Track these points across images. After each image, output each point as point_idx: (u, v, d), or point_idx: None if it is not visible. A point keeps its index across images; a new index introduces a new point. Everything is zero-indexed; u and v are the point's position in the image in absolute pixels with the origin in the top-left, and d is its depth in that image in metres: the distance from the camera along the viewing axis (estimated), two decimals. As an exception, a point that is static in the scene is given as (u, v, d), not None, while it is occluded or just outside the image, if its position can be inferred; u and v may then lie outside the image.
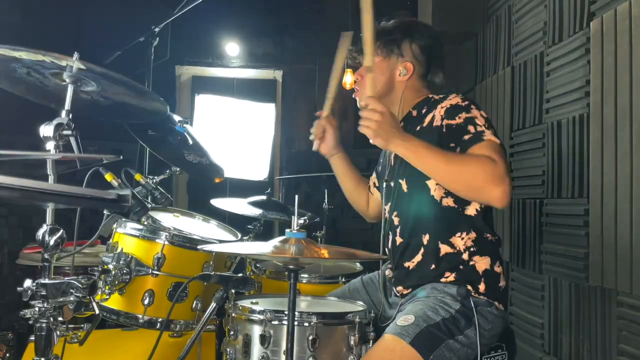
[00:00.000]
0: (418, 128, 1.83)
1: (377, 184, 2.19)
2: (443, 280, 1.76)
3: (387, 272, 1.95)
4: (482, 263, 1.77)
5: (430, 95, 1.92)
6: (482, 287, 1.74)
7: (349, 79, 4.23)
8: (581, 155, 2.44)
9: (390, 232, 1.92)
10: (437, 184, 1.78)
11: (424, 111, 1.87)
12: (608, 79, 2.23)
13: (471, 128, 1.69)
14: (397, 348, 1.58)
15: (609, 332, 2.24)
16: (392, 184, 1.92)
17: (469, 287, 1.73)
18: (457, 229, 1.78)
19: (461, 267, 1.76)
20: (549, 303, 2.66)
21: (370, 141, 1.69)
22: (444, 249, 1.78)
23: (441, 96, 1.87)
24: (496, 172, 1.60)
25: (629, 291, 2.11)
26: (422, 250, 1.81)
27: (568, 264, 2.51)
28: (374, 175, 2.22)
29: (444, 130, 1.73)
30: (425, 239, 1.80)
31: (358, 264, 2.68)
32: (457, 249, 1.77)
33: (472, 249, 1.77)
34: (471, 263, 1.76)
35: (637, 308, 2.09)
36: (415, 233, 1.82)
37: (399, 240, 1.88)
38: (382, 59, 1.91)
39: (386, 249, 1.97)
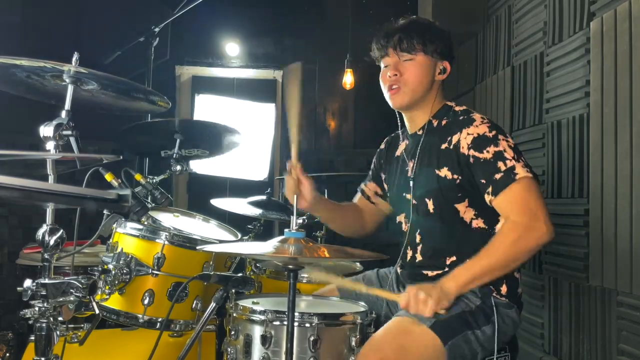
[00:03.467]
0: (443, 147, 1.80)
1: (379, 192, 2.12)
2: None
3: (399, 269, 1.95)
4: None
5: (449, 103, 1.90)
6: (504, 289, 1.75)
7: (349, 79, 4.23)
8: (581, 155, 2.44)
9: (409, 247, 1.89)
10: (466, 206, 1.77)
11: (444, 122, 1.85)
12: (608, 79, 2.23)
13: (501, 165, 1.67)
14: (415, 330, 1.60)
15: (609, 332, 2.24)
16: (413, 199, 1.88)
17: (492, 287, 1.74)
18: None
19: None
20: (549, 303, 2.66)
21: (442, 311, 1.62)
22: None
23: (462, 108, 1.86)
24: (530, 227, 1.61)
25: (629, 291, 2.10)
26: (446, 269, 1.80)
27: (568, 264, 2.51)
28: (373, 183, 2.14)
29: (471, 160, 1.72)
30: (450, 260, 1.80)
31: (358, 264, 2.68)
32: None
33: None
34: None
35: (637, 308, 2.09)
36: (441, 254, 1.81)
37: (419, 257, 1.86)
38: (426, 56, 1.84)
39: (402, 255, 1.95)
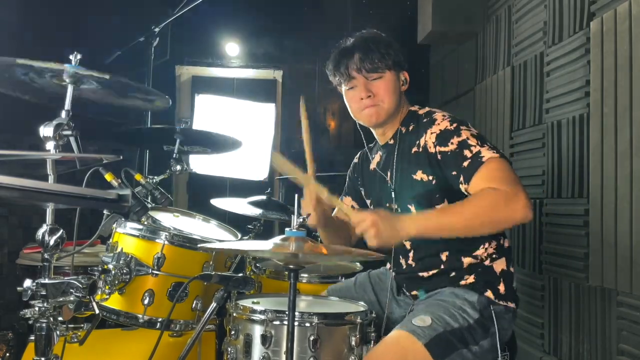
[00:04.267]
0: (414, 151, 1.81)
1: (355, 206, 2.10)
2: (462, 283, 1.76)
3: (394, 274, 1.95)
4: (499, 264, 1.79)
5: (412, 108, 1.92)
6: (502, 287, 1.76)
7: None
8: (581, 155, 2.44)
9: (400, 255, 1.89)
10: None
11: (411, 128, 1.87)
12: (608, 79, 2.23)
13: (467, 152, 1.68)
14: (409, 347, 1.58)
15: (609, 332, 2.24)
16: (397, 207, 1.88)
17: (489, 294, 1.73)
18: (480, 241, 1.78)
19: (479, 269, 1.77)
20: (549, 303, 2.66)
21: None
22: (467, 261, 1.78)
23: (425, 111, 1.87)
24: (507, 197, 1.58)
25: (629, 291, 2.10)
26: (441, 266, 1.81)
27: (568, 264, 2.51)
28: (349, 197, 2.14)
29: (439, 157, 1.73)
30: (444, 255, 1.80)
31: (358, 264, 2.68)
32: (481, 258, 1.78)
33: (493, 256, 1.79)
34: (488, 264, 1.78)
35: (637, 308, 2.09)
36: (433, 254, 1.81)
37: (412, 264, 1.86)
38: (391, 72, 1.84)
39: (392, 270, 1.95)
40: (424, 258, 1.83)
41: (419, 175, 1.79)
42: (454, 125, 1.74)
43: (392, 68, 1.84)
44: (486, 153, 1.67)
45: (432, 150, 1.75)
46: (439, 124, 1.76)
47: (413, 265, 1.86)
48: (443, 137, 1.73)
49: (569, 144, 2.53)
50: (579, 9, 2.47)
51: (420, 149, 1.79)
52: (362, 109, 1.85)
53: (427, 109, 1.89)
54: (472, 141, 1.70)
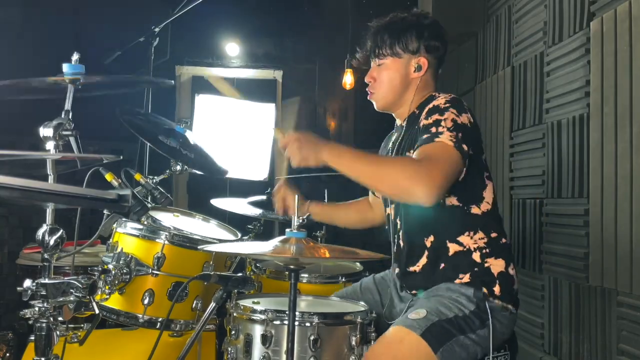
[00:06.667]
0: (415, 127, 1.82)
1: None
2: (458, 281, 1.76)
3: (396, 270, 1.96)
4: (496, 265, 1.77)
5: (434, 93, 1.91)
6: (497, 289, 1.74)
7: (348, 79, 4.23)
8: (581, 155, 2.44)
9: (395, 236, 1.90)
10: None
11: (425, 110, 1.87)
12: (608, 79, 2.23)
13: (433, 129, 1.67)
14: (406, 339, 1.59)
15: (609, 332, 2.24)
16: None
17: (485, 291, 1.73)
18: (464, 228, 1.77)
19: (476, 269, 1.75)
20: (549, 303, 2.67)
21: (302, 165, 1.69)
22: (453, 247, 1.77)
23: (441, 94, 1.87)
24: (419, 171, 1.58)
25: (629, 291, 2.11)
26: (426, 252, 1.80)
27: (568, 264, 2.51)
28: None
29: (419, 129, 1.74)
30: (429, 240, 1.79)
31: (358, 264, 2.68)
32: (467, 247, 1.77)
33: (484, 251, 1.77)
34: (486, 265, 1.76)
35: (637, 308, 2.09)
36: (418, 236, 1.81)
37: (402, 243, 1.87)
38: (394, 59, 1.88)
39: (392, 253, 1.96)
40: (412, 248, 1.83)
41: (411, 153, 1.78)
42: (447, 104, 1.73)
43: (397, 54, 1.87)
44: (444, 137, 1.65)
45: (421, 124, 1.75)
46: (438, 98, 1.77)
47: (402, 245, 1.87)
48: (430, 112, 1.74)
49: (569, 144, 2.53)
50: (579, 9, 2.47)
51: (421, 124, 1.78)
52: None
53: (447, 94, 1.87)
54: (447, 123, 1.67)
